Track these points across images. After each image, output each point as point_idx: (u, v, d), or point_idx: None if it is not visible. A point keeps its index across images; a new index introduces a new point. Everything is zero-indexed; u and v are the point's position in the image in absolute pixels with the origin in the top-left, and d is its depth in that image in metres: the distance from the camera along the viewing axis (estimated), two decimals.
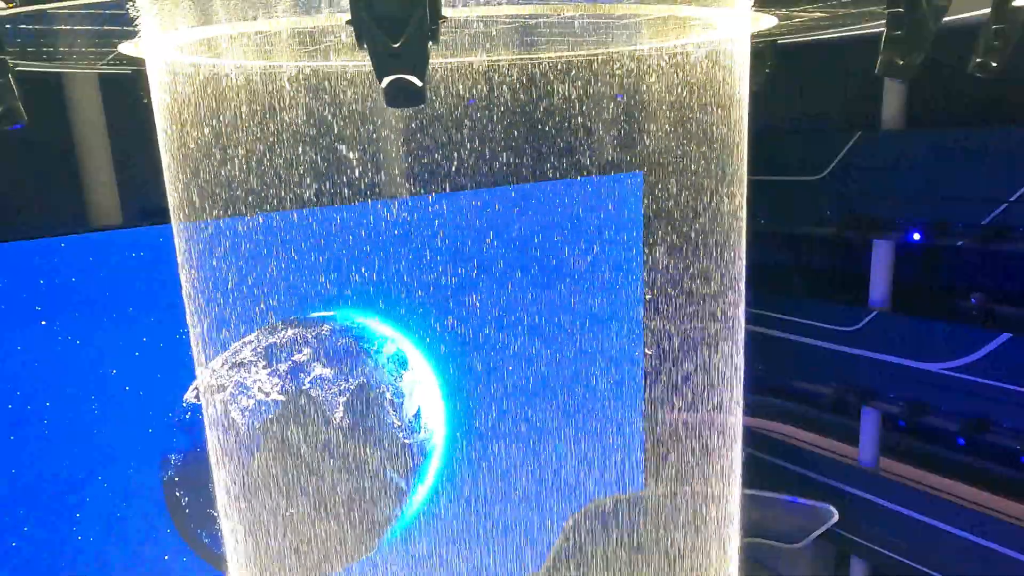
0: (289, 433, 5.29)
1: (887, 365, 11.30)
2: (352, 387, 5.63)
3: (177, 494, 5.06)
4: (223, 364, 5.06)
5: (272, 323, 5.26)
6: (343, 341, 5.81)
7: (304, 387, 5.52)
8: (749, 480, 12.12)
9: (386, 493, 5.73)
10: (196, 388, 4.79)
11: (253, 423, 5.11)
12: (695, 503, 10.58)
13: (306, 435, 5.36)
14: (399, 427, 5.78)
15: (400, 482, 5.67)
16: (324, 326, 5.62)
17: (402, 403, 5.96)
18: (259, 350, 5.38)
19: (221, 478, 4.61)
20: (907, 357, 11.05)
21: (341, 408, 5.61)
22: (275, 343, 5.37)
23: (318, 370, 5.61)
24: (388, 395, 5.85)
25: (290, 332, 5.45)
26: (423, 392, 6.34)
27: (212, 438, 4.74)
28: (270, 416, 5.38)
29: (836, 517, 11.24)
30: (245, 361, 5.14)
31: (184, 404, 5.17)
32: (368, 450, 5.55)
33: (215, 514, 4.80)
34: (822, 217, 11.93)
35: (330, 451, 5.41)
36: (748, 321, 13.04)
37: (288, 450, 5.22)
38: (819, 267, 13.28)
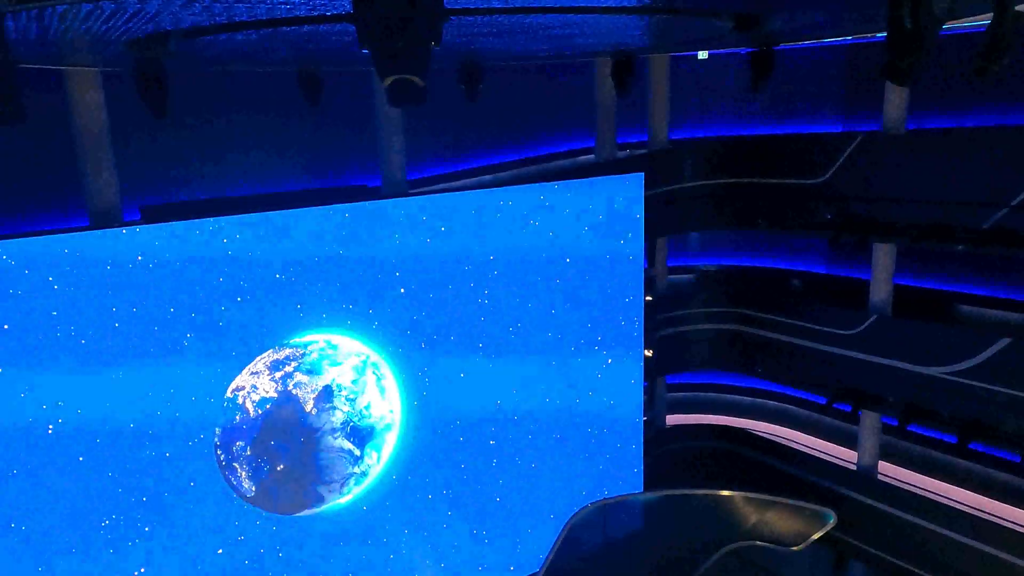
0: (277, 416, 8.21)
1: (887, 369, 11.31)
2: (319, 387, 8.45)
3: (219, 452, 7.93)
4: (246, 372, 7.96)
5: (277, 346, 8.16)
6: (317, 355, 8.53)
7: (289, 388, 8.31)
8: (747, 482, 12.15)
9: (341, 455, 8.63)
10: (235, 387, 7.86)
11: (257, 410, 8.12)
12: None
13: (287, 418, 8.30)
14: (352, 412, 8.64)
15: (354, 449, 8.59)
16: (310, 346, 8.42)
17: (356, 398, 8.63)
18: (267, 363, 8.18)
19: (238, 443, 7.95)
20: (907, 361, 11.06)
21: (311, 401, 8.43)
22: (277, 359, 8.18)
23: (298, 377, 8.39)
24: (344, 393, 8.58)
25: (286, 352, 8.25)
26: (376, 390, 8.85)
27: (237, 417, 8.00)
28: (267, 406, 8.21)
29: (834, 520, 11.23)
30: (258, 370, 8.05)
31: (226, 396, 7.91)
32: (328, 427, 8.53)
33: (239, 468, 7.98)
34: (823, 220, 11.94)
35: (302, 428, 8.38)
36: (747, 324, 13.11)
37: (275, 428, 8.13)
38: (819, 270, 13.29)
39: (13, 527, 7.72)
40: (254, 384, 8.26)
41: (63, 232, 8.00)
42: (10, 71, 3.99)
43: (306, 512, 8.65)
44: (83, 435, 7.97)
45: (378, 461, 9.08)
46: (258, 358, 8.23)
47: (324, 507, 8.85)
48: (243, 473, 8.08)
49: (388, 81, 3.18)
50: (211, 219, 8.30)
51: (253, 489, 8.11)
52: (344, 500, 9.09)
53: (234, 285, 8.47)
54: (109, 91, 8.43)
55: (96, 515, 8.12)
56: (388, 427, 9.22)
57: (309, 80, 8.88)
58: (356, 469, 8.75)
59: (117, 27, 4.73)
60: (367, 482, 9.22)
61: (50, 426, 7.79)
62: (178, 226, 8.16)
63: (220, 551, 8.78)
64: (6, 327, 7.44)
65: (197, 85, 9.09)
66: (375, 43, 3.11)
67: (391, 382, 9.39)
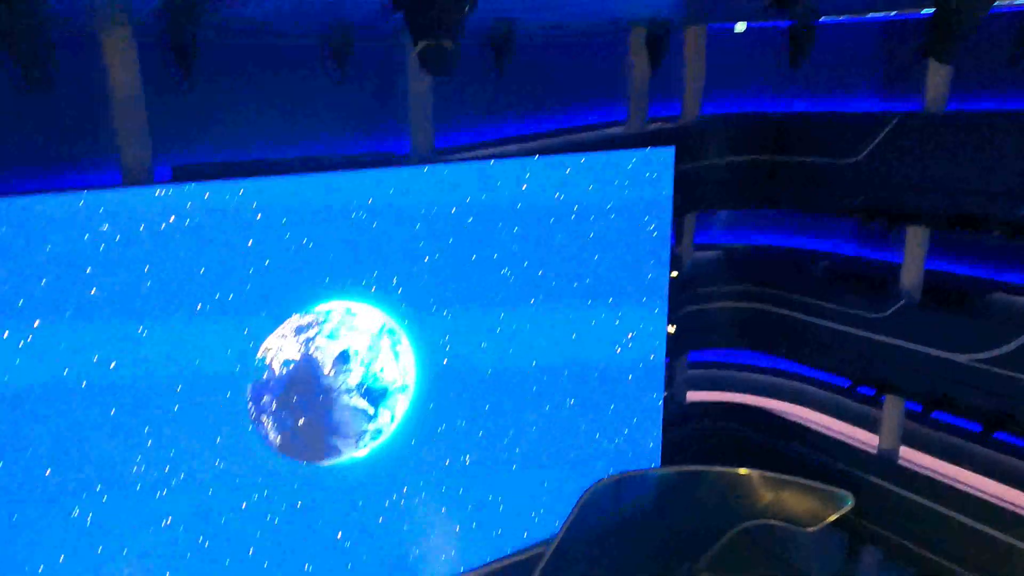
0: (299, 376, 8.87)
1: (913, 354, 11.18)
2: (337, 351, 9.08)
3: (250, 405, 8.61)
4: (275, 335, 8.56)
5: (302, 312, 8.74)
6: (337, 322, 9.08)
7: (311, 351, 8.92)
8: (764, 462, 12.14)
9: (356, 412, 9.28)
10: (265, 348, 8.52)
11: (282, 369, 8.78)
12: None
13: (308, 378, 8.94)
14: (366, 374, 9.28)
15: (368, 408, 9.26)
16: (331, 313, 8.99)
17: (371, 361, 9.26)
18: (293, 328, 8.75)
19: (265, 397, 8.63)
20: (934, 347, 10.91)
21: (330, 363, 9.07)
22: (301, 324, 8.77)
23: (319, 341, 8.97)
24: (359, 357, 9.21)
25: (309, 318, 8.81)
26: (391, 355, 9.43)
27: (265, 375, 8.68)
28: (291, 366, 8.84)
29: (851, 503, 11.21)
30: (285, 334, 8.64)
31: (257, 356, 8.55)
32: (344, 387, 9.22)
33: (266, 420, 8.74)
34: (855, 201, 11.73)
35: (321, 387, 9.06)
36: (772, 303, 12.99)
37: (297, 387, 8.82)
38: (848, 252, 13.09)
39: (48, 474, 7.97)
40: (280, 346, 8.74)
41: (97, 189, 8.11)
42: (43, 41, 4.03)
43: (325, 463, 9.23)
44: (115, 389, 8.16)
45: (392, 420, 9.56)
46: (286, 322, 8.67)
47: (341, 459, 9.38)
48: (269, 424, 8.72)
49: (420, 46, 3.16)
50: (241, 182, 8.37)
51: (278, 439, 8.81)
52: (360, 454, 9.53)
53: (263, 248, 8.58)
54: (143, 52, 8.47)
55: (126, 465, 8.35)
56: (402, 389, 9.60)
57: (340, 47, 8.87)
58: (370, 426, 9.36)
59: None
60: (382, 439, 9.61)
61: (83, 380, 7.98)
62: (210, 187, 8.23)
63: (244, 505, 9.04)
64: (44, 282, 7.58)
65: (229, 49, 9.11)
66: (409, 7, 3.08)
67: (407, 348, 9.63)
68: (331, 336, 9.16)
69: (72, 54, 8.13)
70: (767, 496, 11.38)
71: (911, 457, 11.87)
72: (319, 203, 8.88)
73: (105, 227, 7.84)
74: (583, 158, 10.58)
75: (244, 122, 9.61)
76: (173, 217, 8.12)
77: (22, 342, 7.63)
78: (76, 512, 8.20)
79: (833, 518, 11.39)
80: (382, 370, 9.41)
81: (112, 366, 8.09)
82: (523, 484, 11.12)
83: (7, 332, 7.53)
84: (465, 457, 10.57)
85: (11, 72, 5.85)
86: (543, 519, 11.26)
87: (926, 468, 11.57)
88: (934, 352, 10.96)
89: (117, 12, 6.91)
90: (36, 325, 7.65)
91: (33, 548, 8.09)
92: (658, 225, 11.29)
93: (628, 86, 12.14)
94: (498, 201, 10.03)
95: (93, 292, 7.86)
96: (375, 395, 9.44)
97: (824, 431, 12.91)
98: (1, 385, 7.60)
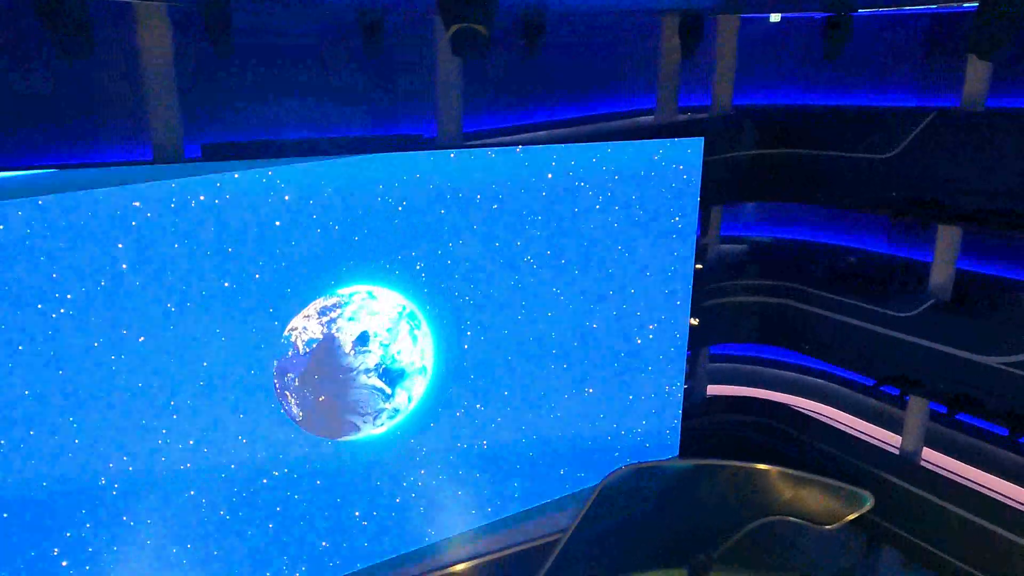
0: (321, 355, 9.17)
1: (940, 354, 11.01)
2: (357, 332, 9.33)
3: (275, 381, 8.92)
4: (301, 316, 8.84)
5: (327, 294, 9.02)
6: (358, 304, 9.33)
7: (333, 331, 9.20)
8: (784, 458, 12.07)
9: (374, 392, 9.57)
10: (290, 328, 8.83)
11: (305, 348, 9.06)
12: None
13: (330, 357, 9.27)
14: (384, 356, 9.57)
15: (385, 388, 9.56)
16: (354, 296, 9.26)
17: (389, 344, 9.52)
18: (317, 309, 9.01)
19: (289, 374, 9.01)
20: (962, 348, 10.74)
21: (349, 344, 9.32)
22: (325, 306, 9.05)
23: (341, 322, 9.24)
24: (378, 339, 9.48)
25: (333, 300, 9.09)
26: (409, 338, 9.66)
27: (289, 352, 9.01)
28: (314, 345, 9.13)
29: (871, 503, 11.10)
30: (309, 314, 8.92)
31: (283, 335, 8.86)
32: (363, 367, 9.50)
33: (289, 396, 9.06)
34: (887, 198, 11.54)
35: (341, 366, 9.36)
36: (797, 299, 12.85)
37: (320, 367, 9.15)
38: (877, 249, 12.91)
39: (77, 443, 8.15)
40: (304, 326, 9.04)
41: (127, 164, 8.23)
42: (83, 9, 4.08)
43: (343, 439, 9.58)
44: (142, 362, 8.32)
45: (409, 401, 9.84)
46: (311, 304, 8.94)
47: (359, 436, 9.70)
48: (292, 400, 9.04)
49: (452, 29, 3.14)
50: (270, 165, 8.45)
51: (300, 414, 9.10)
52: (378, 431, 9.80)
53: (290, 231, 8.68)
54: (176, 28, 8.55)
55: (151, 435, 8.52)
56: (420, 371, 9.84)
57: (371, 27, 8.87)
58: (387, 405, 9.68)
59: None
60: (399, 418, 9.89)
61: (112, 354, 8.14)
62: (240, 169, 8.32)
63: (265, 480, 9.20)
64: (75, 257, 7.71)
65: (258, 28, 9.16)
66: None
67: (427, 331, 9.80)
68: (352, 318, 9.39)
69: (107, 30, 8.24)
70: (786, 492, 11.32)
71: (934, 459, 11.73)
72: (345, 186, 8.94)
73: (137, 203, 7.97)
74: (611, 147, 10.51)
75: (271, 101, 9.67)
76: (203, 196, 8.22)
77: (54, 314, 7.79)
78: (103, 481, 8.40)
79: (852, 517, 11.30)
80: (399, 352, 9.66)
81: (140, 340, 8.23)
82: (540, 470, 11.17)
83: (40, 304, 7.69)
84: (483, 442, 10.64)
85: (49, 46, 5.94)
86: (559, 506, 11.30)
87: (949, 470, 11.44)
88: (961, 353, 10.79)
89: None
90: (69, 297, 7.81)
91: (60, 517, 8.30)
92: (684, 216, 11.20)
93: (659, 75, 12.02)
94: (524, 188, 10.01)
95: (124, 267, 8.00)
96: (393, 376, 9.73)
97: (846, 429, 12.81)
98: (33, 354, 7.77)
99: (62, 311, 7.81)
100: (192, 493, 8.91)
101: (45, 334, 7.78)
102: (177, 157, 8.78)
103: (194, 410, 8.67)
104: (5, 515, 8.02)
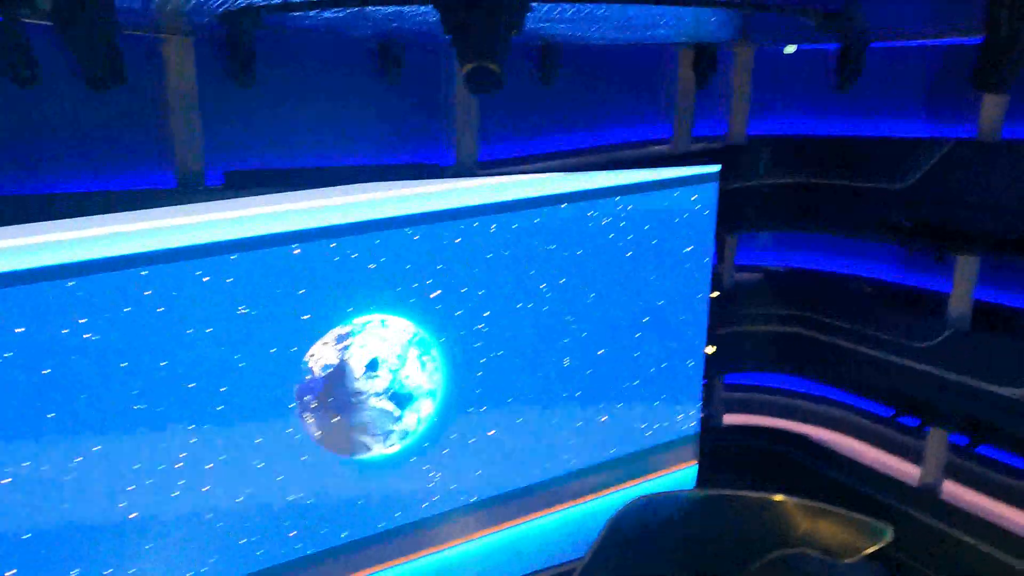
0: (335, 379, 9.61)
1: (960, 385, 10.89)
2: (368, 357, 9.78)
3: (295, 403, 9.36)
4: (319, 343, 9.33)
5: (343, 323, 9.50)
6: (371, 332, 9.76)
7: (346, 357, 9.63)
8: (801, 489, 11.92)
9: (383, 413, 9.98)
10: (310, 354, 9.31)
11: (321, 372, 9.51)
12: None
13: (343, 381, 9.69)
14: (393, 380, 10.00)
15: (394, 410, 10.01)
16: (367, 325, 9.72)
17: (398, 369, 9.96)
18: (333, 336, 9.49)
19: (306, 396, 9.43)
20: (982, 379, 10.63)
21: (361, 368, 9.76)
22: (341, 333, 9.51)
23: (353, 349, 9.68)
24: (387, 364, 9.91)
25: (348, 328, 9.56)
26: (417, 363, 10.07)
27: (307, 377, 9.42)
28: (329, 371, 9.56)
29: (891, 536, 10.92)
30: (327, 342, 9.41)
31: (303, 360, 9.31)
32: (373, 391, 9.93)
33: (307, 416, 9.52)
34: (903, 226, 11.51)
35: (352, 390, 9.80)
36: (813, 328, 12.79)
37: (332, 387, 9.61)
38: (894, 279, 12.83)
39: (98, 449, 8.25)
40: (322, 353, 9.43)
41: (151, 192, 8.41)
42: (115, 39, 4.23)
43: (357, 456, 10.04)
44: (165, 385, 8.42)
45: (418, 423, 10.20)
46: (328, 332, 9.35)
47: (371, 455, 10.11)
48: (310, 420, 9.49)
49: (467, 68, 3.24)
50: (293, 193, 8.63)
51: (318, 433, 9.55)
52: (389, 451, 10.14)
53: (310, 261, 8.85)
54: (200, 57, 8.77)
55: (170, 454, 8.60)
56: (428, 395, 10.18)
57: (391, 57, 9.05)
58: (396, 427, 10.10)
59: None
60: (408, 440, 10.22)
61: (136, 379, 8.24)
62: (263, 203, 8.51)
63: (292, 497, 9.37)
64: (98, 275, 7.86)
65: (280, 55, 9.37)
66: (457, 29, 3.17)
67: (436, 357, 10.05)
68: (364, 345, 9.69)
69: (132, 55, 8.45)
70: (802, 524, 11.16)
71: (954, 492, 11.55)
72: (364, 218, 9.10)
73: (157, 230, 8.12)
74: (626, 174, 10.60)
75: (292, 129, 9.86)
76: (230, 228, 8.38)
77: (86, 335, 7.91)
78: (123, 504, 8.45)
79: (871, 551, 11.10)
80: (407, 377, 10.01)
81: (163, 364, 8.33)
82: (552, 503, 11.11)
83: (81, 318, 7.83)
84: (489, 468, 10.62)
85: (75, 73, 6.10)
86: (572, 538, 11.23)
87: (970, 504, 11.25)
88: (982, 384, 10.67)
89: (181, 18, 7.19)
90: (83, 322, 7.92)
91: (79, 535, 8.34)
92: (700, 244, 11.23)
93: (674, 104, 12.13)
94: (538, 216, 10.10)
95: (147, 294, 8.12)
96: (401, 399, 10.06)
97: (863, 461, 12.65)
98: (64, 365, 7.87)
99: (85, 321, 7.91)
100: (210, 516, 8.95)
101: (74, 344, 7.88)
102: (200, 184, 8.96)
103: (214, 432, 8.75)
104: (27, 535, 8.07)
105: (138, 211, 7.97)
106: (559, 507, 11.19)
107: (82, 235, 7.78)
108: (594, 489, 11.36)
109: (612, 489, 11.49)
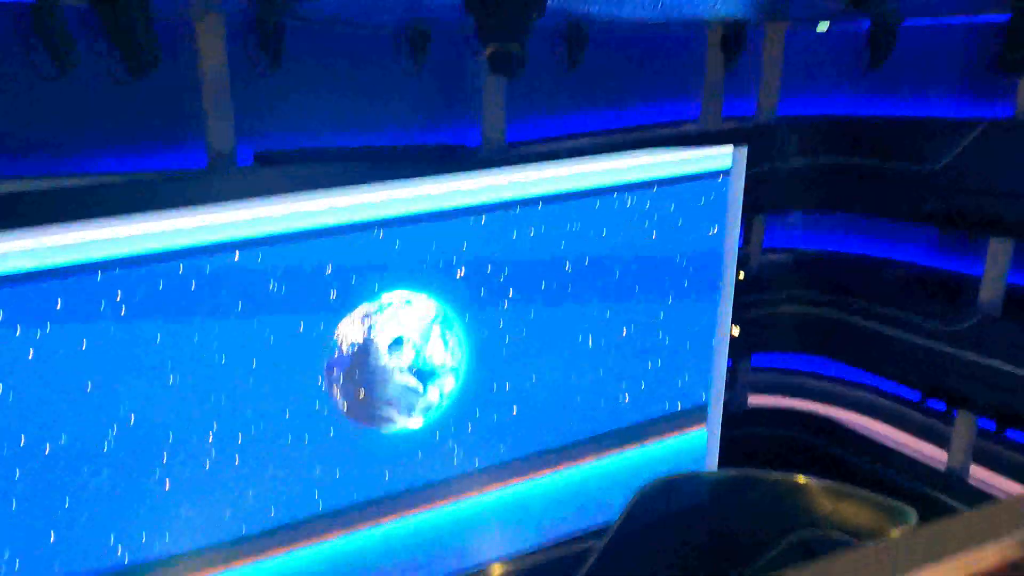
0: (361, 355, 9.85)
1: (989, 370, 10.76)
2: (393, 335, 10.01)
3: (320, 379, 9.62)
4: (347, 320, 9.60)
5: (369, 300, 9.73)
6: (395, 310, 9.99)
7: (372, 335, 9.86)
8: (825, 471, 11.90)
9: (407, 389, 10.20)
10: (338, 331, 9.54)
11: (349, 349, 9.73)
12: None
13: (368, 357, 9.92)
14: (416, 357, 10.21)
15: (417, 386, 10.23)
16: (393, 303, 9.96)
17: (422, 346, 10.17)
18: (360, 314, 9.73)
19: (335, 370, 9.64)
20: (1012, 363, 10.49)
21: (386, 345, 9.98)
22: (367, 312, 9.76)
23: (379, 326, 9.91)
24: (411, 341, 10.11)
25: (375, 306, 9.81)
26: (440, 341, 10.28)
27: (336, 353, 9.62)
28: (356, 347, 9.79)
29: (915, 519, 10.88)
30: (354, 319, 9.66)
31: (332, 337, 9.56)
32: (397, 367, 10.15)
33: (335, 390, 9.75)
34: (935, 209, 11.33)
35: (377, 366, 10.03)
36: (842, 310, 12.68)
37: (359, 365, 9.88)
38: (925, 262, 12.66)
39: (133, 421, 8.53)
40: (350, 330, 9.72)
41: (182, 173, 8.58)
42: (150, 28, 4.34)
43: (382, 430, 10.37)
44: (196, 361, 8.65)
45: (440, 399, 10.46)
46: (356, 309, 9.62)
47: (395, 427, 10.41)
48: (338, 393, 9.80)
49: (489, 50, 3.30)
50: (320, 174, 8.76)
51: (345, 405, 9.87)
52: (413, 425, 10.39)
53: (337, 241, 9.03)
54: (231, 40, 8.89)
55: (203, 428, 8.86)
56: (451, 371, 10.44)
57: (417, 37, 9.10)
58: (419, 402, 10.36)
59: None
60: (431, 414, 10.48)
61: (168, 361, 8.49)
62: (294, 184, 8.66)
63: (317, 470, 9.68)
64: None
65: (308, 38, 9.47)
66: (480, 12, 3.22)
67: (459, 335, 10.26)
68: (389, 322, 9.97)
69: (166, 39, 8.61)
70: (826, 506, 11.15)
71: (982, 476, 11.45)
72: (391, 203, 9.21)
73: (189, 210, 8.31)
74: (653, 154, 10.54)
75: (320, 109, 9.97)
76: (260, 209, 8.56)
77: (122, 310, 8.16)
78: (157, 474, 8.74)
79: (895, 534, 11.07)
80: (430, 355, 10.28)
81: (195, 339, 8.56)
82: (572, 478, 11.22)
83: (103, 302, 8.08)
84: (513, 448, 10.75)
85: (110, 56, 6.25)
86: (591, 513, 11.34)
87: (997, 488, 11.15)
88: (1012, 368, 10.53)
89: (214, 3, 7.31)
90: (118, 298, 8.17)
91: (111, 497, 8.63)
92: (726, 225, 11.16)
93: (703, 83, 12.02)
94: (564, 196, 10.11)
95: (181, 271, 8.34)
96: (424, 375, 10.33)
97: (890, 444, 12.58)
98: (100, 348, 8.13)
99: (123, 311, 8.17)
100: (236, 461, 9.22)
101: (108, 333, 8.13)
102: (230, 164, 9.13)
103: (243, 404, 9.00)
104: (53, 537, 8.38)
105: (179, 208, 8.22)
106: (579, 461, 11.31)
107: (147, 230, 8.11)
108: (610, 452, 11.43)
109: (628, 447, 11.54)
